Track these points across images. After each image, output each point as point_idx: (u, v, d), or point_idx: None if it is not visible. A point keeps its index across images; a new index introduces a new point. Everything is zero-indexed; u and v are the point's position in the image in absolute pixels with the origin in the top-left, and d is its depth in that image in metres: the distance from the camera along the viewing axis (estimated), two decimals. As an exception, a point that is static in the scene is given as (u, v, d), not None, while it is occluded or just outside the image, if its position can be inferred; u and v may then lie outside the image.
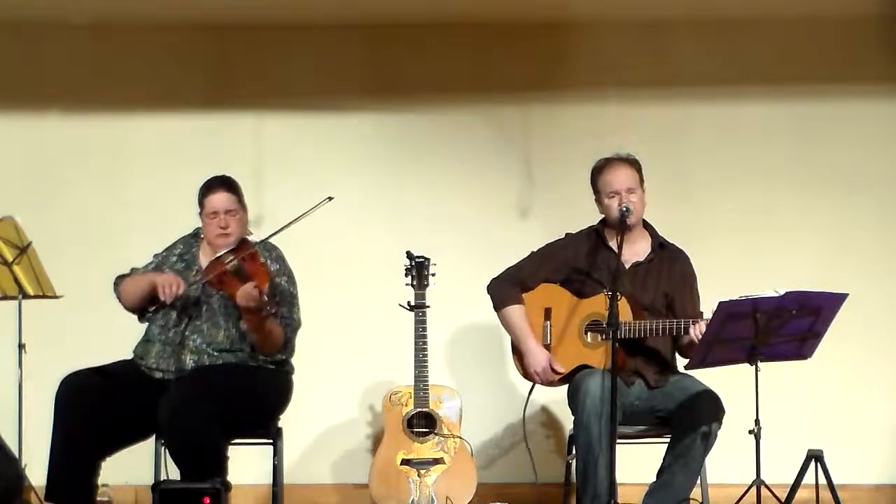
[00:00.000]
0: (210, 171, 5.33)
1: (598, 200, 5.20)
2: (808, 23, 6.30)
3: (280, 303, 5.11)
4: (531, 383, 5.26)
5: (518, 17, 6.31)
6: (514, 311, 5.23)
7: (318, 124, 6.49)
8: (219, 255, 5.09)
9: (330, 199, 5.13)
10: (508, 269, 5.30)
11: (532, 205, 6.43)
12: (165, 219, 6.06)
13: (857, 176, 6.35)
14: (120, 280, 5.25)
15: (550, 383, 5.20)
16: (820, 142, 6.39)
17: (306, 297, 5.37)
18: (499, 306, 5.26)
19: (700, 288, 5.24)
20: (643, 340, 5.07)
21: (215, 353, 5.10)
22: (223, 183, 5.24)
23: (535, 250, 5.32)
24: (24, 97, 6.44)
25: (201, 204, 5.23)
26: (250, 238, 5.19)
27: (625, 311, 5.00)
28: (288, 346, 5.20)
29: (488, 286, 5.31)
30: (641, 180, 5.17)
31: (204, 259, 5.23)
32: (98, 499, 5.12)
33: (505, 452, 6.27)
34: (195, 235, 5.36)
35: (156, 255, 5.33)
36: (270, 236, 5.18)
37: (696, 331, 4.93)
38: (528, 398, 5.32)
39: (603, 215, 5.23)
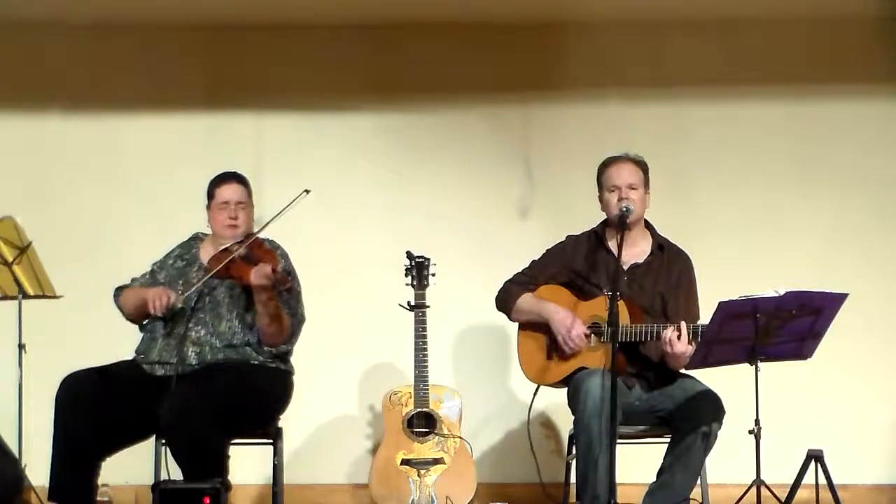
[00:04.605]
0: (210, 171, 5.34)
1: (600, 196, 5.19)
2: (807, 23, 6.30)
3: (290, 288, 5.14)
4: (536, 385, 5.24)
5: (518, 17, 6.31)
6: (523, 301, 5.18)
7: (318, 124, 6.49)
8: (225, 246, 5.10)
9: (307, 192, 5.10)
10: (508, 279, 5.28)
11: (532, 205, 6.43)
12: (165, 218, 6.08)
13: (857, 176, 6.36)
14: (119, 292, 5.27)
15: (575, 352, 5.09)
16: (820, 142, 6.39)
17: (307, 297, 5.37)
18: (510, 311, 5.22)
19: (700, 288, 5.19)
20: (641, 343, 5.06)
21: (217, 345, 5.11)
22: (235, 176, 5.28)
23: (535, 259, 5.31)
24: (24, 97, 6.44)
25: (211, 195, 5.24)
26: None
27: (622, 314, 4.96)
28: (293, 338, 5.21)
29: (495, 300, 5.27)
30: (646, 182, 5.15)
31: (205, 256, 5.23)
32: (98, 499, 5.12)
33: (505, 452, 6.27)
34: (194, 238, 5.38)
35: (154, 264, 5.33)
36: (257, 233, 5.19)
37: (670, 344, 4.90)
38: (532, 400, 5.29)
39: (604, 215, 5.21)
